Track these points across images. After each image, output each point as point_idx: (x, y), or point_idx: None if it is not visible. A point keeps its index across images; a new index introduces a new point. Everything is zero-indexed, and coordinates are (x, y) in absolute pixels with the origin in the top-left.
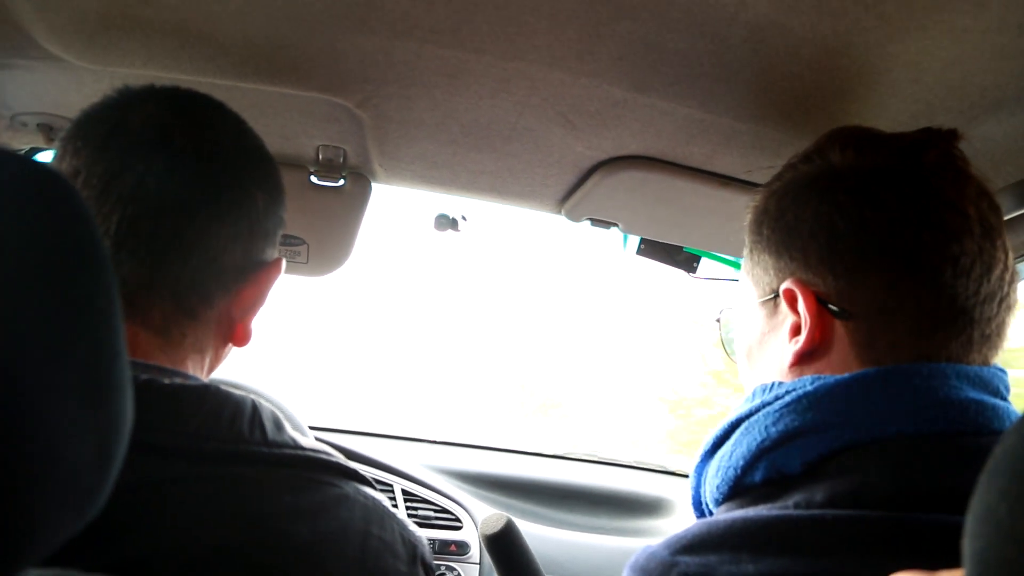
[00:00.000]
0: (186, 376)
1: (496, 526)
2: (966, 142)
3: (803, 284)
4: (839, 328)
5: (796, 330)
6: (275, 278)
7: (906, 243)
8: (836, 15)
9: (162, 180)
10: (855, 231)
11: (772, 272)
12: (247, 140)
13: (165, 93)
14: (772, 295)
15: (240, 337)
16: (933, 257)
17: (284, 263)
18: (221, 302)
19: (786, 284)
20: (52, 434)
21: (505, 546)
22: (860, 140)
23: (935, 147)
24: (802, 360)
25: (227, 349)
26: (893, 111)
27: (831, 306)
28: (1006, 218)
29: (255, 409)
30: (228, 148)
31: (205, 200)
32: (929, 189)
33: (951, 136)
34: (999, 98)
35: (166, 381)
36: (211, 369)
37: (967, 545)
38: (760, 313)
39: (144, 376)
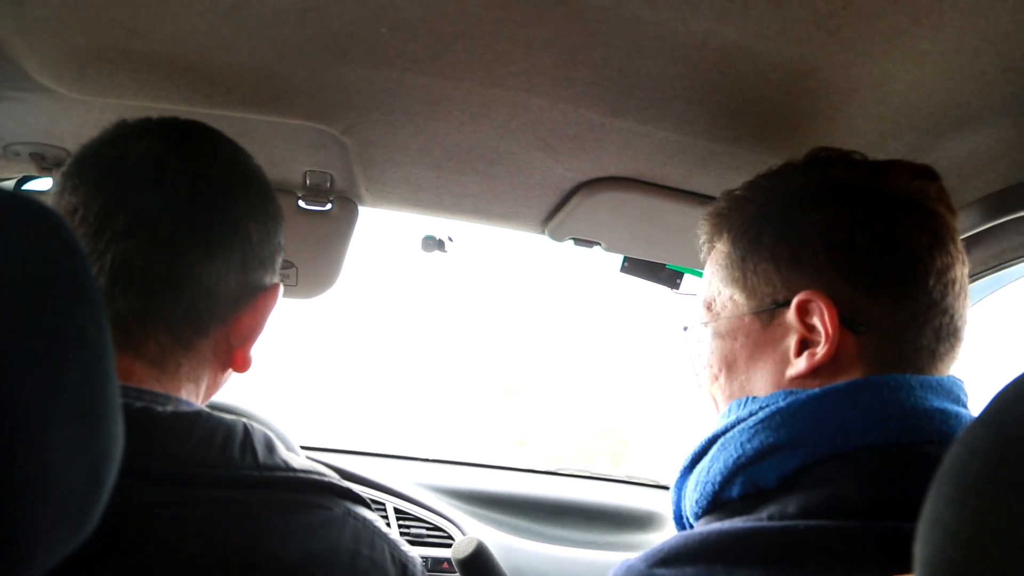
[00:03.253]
0: (179, 402)
1: (467, 550)
2: (933, 159)
3: (822, 296)
4: (851, 342)
5: (802, 343)
6: (272, 304)
7: (915, 257)
8: (801, 41)
9: (154, 218)
10: (873, 245)
11: (777, 282)
12: (241, 170)
13: (161, 126)
14: (773, 306)
15: (240, 364)
16: (929, 269)
17: (281, 288)
18: (217, 331)
19: (801, 295)
20: (46, 457)
21: (477, 569)
22: (854, 161)
23: (916, 169)
24: (810, 374)
25: (225, 375)
26: (862, 131)
27: (848, 319)
28: (974, 232)
29: (247, 433)
30: (220, 181)
31: (196, 235)
32: (926, 208)
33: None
34: (961, 117)
35: (159, 409)
36: (207, 395)
37: (918, 549)
38: (752, 325)
39: (139, 404)
